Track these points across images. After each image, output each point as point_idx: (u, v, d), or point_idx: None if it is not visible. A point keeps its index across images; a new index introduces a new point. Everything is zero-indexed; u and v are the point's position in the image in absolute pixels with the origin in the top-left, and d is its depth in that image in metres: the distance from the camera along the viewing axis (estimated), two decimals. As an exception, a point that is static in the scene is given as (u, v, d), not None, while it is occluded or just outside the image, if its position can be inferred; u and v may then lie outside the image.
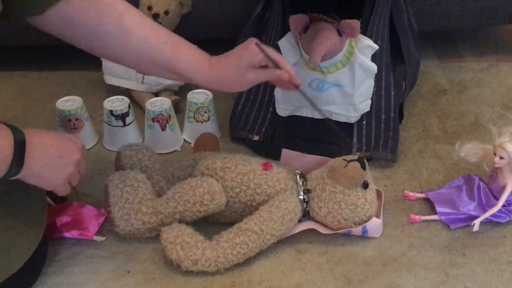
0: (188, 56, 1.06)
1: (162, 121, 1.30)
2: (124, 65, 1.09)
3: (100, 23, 0.99)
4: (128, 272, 1.06)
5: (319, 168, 1.14)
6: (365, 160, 1.10)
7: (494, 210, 1.09)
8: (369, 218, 1.09)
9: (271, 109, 1.32)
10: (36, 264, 1.02)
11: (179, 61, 1.05)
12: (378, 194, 1.15)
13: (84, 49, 1.03)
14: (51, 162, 0.93)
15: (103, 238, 1.11)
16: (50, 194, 1.11)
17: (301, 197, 1.10)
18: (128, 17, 1.01)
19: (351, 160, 1.09)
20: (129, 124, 1.32)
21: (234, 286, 1.03)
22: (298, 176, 1.12)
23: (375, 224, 1.09)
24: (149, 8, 1.44)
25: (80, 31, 0.98)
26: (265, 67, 1.04)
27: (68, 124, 1.31)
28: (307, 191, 1.10)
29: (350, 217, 1.08)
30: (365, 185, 1.08)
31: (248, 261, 1.06)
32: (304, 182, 1.11)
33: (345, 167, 1.08)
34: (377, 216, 1.11)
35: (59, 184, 0.97)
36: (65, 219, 1.11)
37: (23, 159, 0.89)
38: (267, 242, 1.06)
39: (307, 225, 1.11)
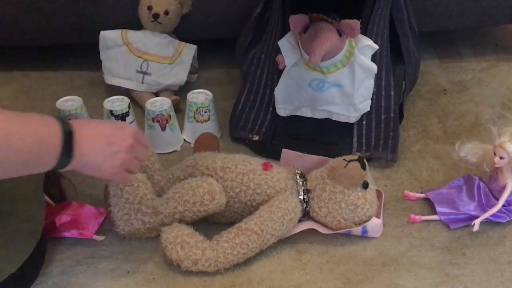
0: None
1: (162, 121, 1.30)
2: None
3: None
4: (128, 272, 1.06)
5: (319, 168, 1.14)
6: (365, 160, 1.10)
7: (494, 210, 1.09)
8: (369, 218, 1.09)
9: (271, 109, 1.32)
10: (35, 264, 1.02)
11: None
12: (378, 194, 1.15)
13: None
14: (101, 150, 0.92)
15: (103, 238, 1.11)
16: (49, 193, 1.11)
17: (301, 197, 1.10)
18: None
19: (351, 160, 1.09)
20: (129, 124, 1.32)
21: (234, 286, 1.03)
22: (298, 176, 1.12)
23: (375, 224, 1.09)
24: (149, 8, 1.44)
25: None
26: None
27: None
28: (307, 191, 1.10)
29: (350, 217, 1.08)
30: (365, 185, 1.08)
31: (248, 261, 1.06)
32: (304, 182, 1.11)
33: (345, 167, 1.08)
34: (377, 216, 1.11)
35: (113, 172, 0.95)
36: (64, 218, 1.11)
37: (72, 149, 0.88)
38: (267, 242, 1.06)
39: (307, 225, 1.11)
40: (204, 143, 1.25)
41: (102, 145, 0.92)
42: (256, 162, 1.13)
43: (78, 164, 0.90)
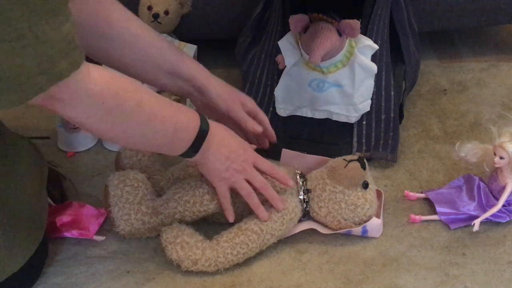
0: (191, 60, 1.11)
1: (162, 121, 1.30)
2: (126, 72, 1.09)
3: (110, 26, 1.02)
4: (128, 272, 1.06)
5: (319, 168, 1.14)
6: (365, 160, 1.10)
7: (494, 210, 1.09)
8: (369, 218, 1.09)
9: (271, 109, 1.32)
10: (36, 264, 1.02)
11: (184, 64, 1.08)
12: (378, 194, 1.15)
13: (87, 54, 1.04)
14: (219, 159, 1.01)
15: (103, 238, 1.11)
16: (50, 193, 1.11)
17: (301, 197, 1.10)
18: (134, 22, 1.05)
19: (351, 160, 1.09)
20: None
21: (234, 286, 1.03)
22: (298, 176, 1.12)
23: (375, 224, 1.09)
24: (149, 8, 1.44)
25: (89, 33, 1.00)
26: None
27: (68, 124, 1.31)
28: (307, 191, 1.10)
29: (350, 217, 1.08)
30: (365, 185, 1.08)
31: (248, 261, 1.06)
32: (304, 182, 1.11)
33: (345, 167, 1.08)
34: (377, 216, 1.11)
35: (218, 181, 1.03)
36: (65, 218, 1.11)
37: (200, 147, 0.98)
38: (267, 242, 1.06)
39: (307, 225, 1.11)
40: None
41: (223, 156, 1.01)
42: None
43: (198, 160, 1.01)
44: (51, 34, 0.76)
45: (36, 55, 0.75)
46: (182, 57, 1.09)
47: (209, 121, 1.00)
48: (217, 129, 1.01)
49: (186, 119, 0.96)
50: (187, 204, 1.06)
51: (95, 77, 0.83)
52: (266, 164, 1.06)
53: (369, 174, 1.12)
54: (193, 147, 0.98)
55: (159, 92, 1.47)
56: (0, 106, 0.80)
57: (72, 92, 0.81)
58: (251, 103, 1.15)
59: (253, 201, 1.04)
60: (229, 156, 1.01)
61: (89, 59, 0.87)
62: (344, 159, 1.10)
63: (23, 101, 0.79)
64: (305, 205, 1.10)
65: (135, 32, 1.05)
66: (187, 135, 0.97)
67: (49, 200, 1.12)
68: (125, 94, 0.87)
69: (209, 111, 1.13)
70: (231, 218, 1.05)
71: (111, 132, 0.90)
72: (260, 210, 1.04)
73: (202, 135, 0.97)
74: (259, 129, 1.11)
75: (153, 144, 0.98)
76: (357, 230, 1.09)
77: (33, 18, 0.74)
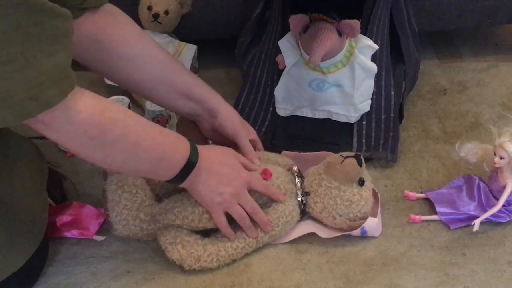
0: (203, 83, 1.12)
1: (162, 121, 1.30)
2: (139, 92, 1.12)
3: (128, 47, 1.04)
4: (128, 272, 1.06)
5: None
6: (361, 157, 1.10)
7: (494, 210, 1.09)
8: (364, 215, 1.09)
9: (271, 109, 1.32)
10: (37, 263, 1.02)
11: (197, 86, 1.10)
12: (374, 193, 1.14)
13: (102, 72, 1.09)
14: (209, 186, 1.01)
15: (103, 238, 1.11)
16: (50, 193, 1.11)
17: (300, 198, 1.10)
18: (151, 44, 1.08)
19: (348, 156, 1.09)
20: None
21: (234, 286, 1.03)
22: (295, 175, 1.12)
23: (373, 224, 1.09)
24: (149, 8, 1.44)
25: (105, 53, 1.02)
26: None
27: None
28: (305, 194, 1.10)
29: (345, 213, 1.08)
30: (361, 182, 1.08)
31: (248, 261, 1.06)
32: (302, 183, 1.11)
33: (341, 163, 1.08)
34: (374, 215, 1.11)
35: (211, 206, 1.03)
36: (65, 218, 1.11)
37: (186, 177, 0.98)
38: (263, 238, 1.06)
39: (306, 229, 1.11)
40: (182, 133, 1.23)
41: (213, 182, 1.00)
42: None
43: (186, 186, 1.00)
44: (43, 61, 0.77)
45: (26, 80, 0.76)
46: (195, 80, 1.11)
47: (200, 148, 0.99)
48: (208, 157, 1.00)
49: (173, 150, 0.96)
50: (186, 220, 1.05)
51: (80, 105, 0.83)
52: (259, 183, 1.06)
53: (366, 172, 1.12)
54: (179, 177, 0.97)
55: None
56: None
57: (54, 118, 0.82)
58: (253, 134, 1.16)
59: (245, 223, 1.05)
60: (221, 182, 1.01)
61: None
62: (341, 155, 1.10)
63: (11, 124, 0.80)
64: (303, 206, 1.10)
65: (152, 54, 1.06)
66: (173, 164, 0.96)
67: (49, 200, 1.12)
68: (109, 123, 0.87)
69: (216, 134, 1.14)
70: (231, 238, 1.06)
71: (92, 157, 0.90)
72: (250, 231, 1.06)
73: (189, 166, 0.97)
74: (254, 167, 1.09)
75: (137, 171, 0.99)
76: (356, 232, 1.09)
77: (27, 43, 0.75)
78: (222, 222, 1.04)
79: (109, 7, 1.03)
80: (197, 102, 1.10)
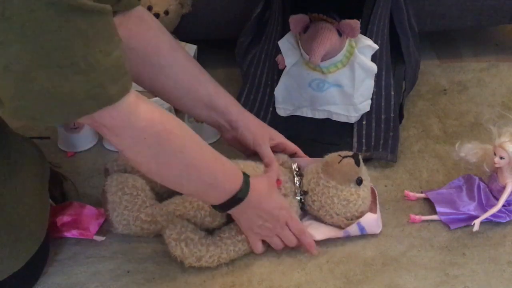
0: (226, 94, 1.13)
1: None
2: (164, 98, 1.12)
3: (159, 55, 1.05)
4: (128, 272, 1.06)
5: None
6: (359, 157, 1.10)
7: (494, 210, 1.09)
8: (361, 214, 1.09)
9: (271, 109, 1.32)
10: (38, 263, 1.03)
11: (220, 97, 1.11)
12: (371, 190, 1.14)
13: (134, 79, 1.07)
14: (250, 218, 1.02)
15: (103, 238, 1.11)
16: (51, 194, 1.11)
17: (298, 197, 1.10)
18: (181, 54, 1.08)
19: (346, 156, 1.09)
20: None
21: (234, 286, 1.03)
22: (294, 174, 1.12)
23: (370, 220, 1.09)
24: (149, 8, 1.44)
25: (137, 59, 1.03)
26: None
27: (68, 124, 1.31)
28: (304, 193, 1.11)
29: (342, 212, 1.08)
30: (359, 182, 1.08)
31: (248, 261, 1.06)
32: (301, 182, 1.11)
33: (339, 162, 1.08)
34: (372, 212, 1.11)
35: (248, 233, 1.05)
36: (65, 218, 1.11)
37: (229, 209, 0.99)
38: None
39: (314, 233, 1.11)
40: None
41: (254, 215, 1.02)
42: (260, 169, 1.12)
43: (229, 212, 1.01)
44: (103, 61, 0.77)
45: (87, 82, 0.77)
46: (219, 90, 1.11)
47: (252, 181, 0.99)
48: (256, 192, 0.99)
49: (225, 179, 0.96)
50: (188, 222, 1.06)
51: (141, 111, 0.84)
52: (296, 226, 1.06)
53: (364, 171, 1.11)
54: (222, 207, 0.98)
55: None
56: (45, 122, 0.88)
57: (117, 120, 0.83)
58: (279, 137, 1.16)
59: (278, 247, 1.07)
60: (262, 217, 1.02)
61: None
62: (339, 155, 1.10)
63: (68, 120, 0.81)
64: (301, 205, 1.11)
65: (182, 64, 1.07)
66: (221, 194, 0.97)
67: (50, 200, 1.12)
68: (168, 135, 0.88)
69: (238, 144, 1.15)
70: (259, 252, 1.08)
71: (148, 167, 0.90)
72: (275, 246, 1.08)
73: (236, 201, 0.97)
74: (280, 177, 1.11)
75: (184, 188, 0.98)
76: (354, 231, 1.09)
77: (88, 48, 0.76)
78: (258, 248, 1.06)
79: (141, 10, 1.03)
80: (218, 113, 1.11)
